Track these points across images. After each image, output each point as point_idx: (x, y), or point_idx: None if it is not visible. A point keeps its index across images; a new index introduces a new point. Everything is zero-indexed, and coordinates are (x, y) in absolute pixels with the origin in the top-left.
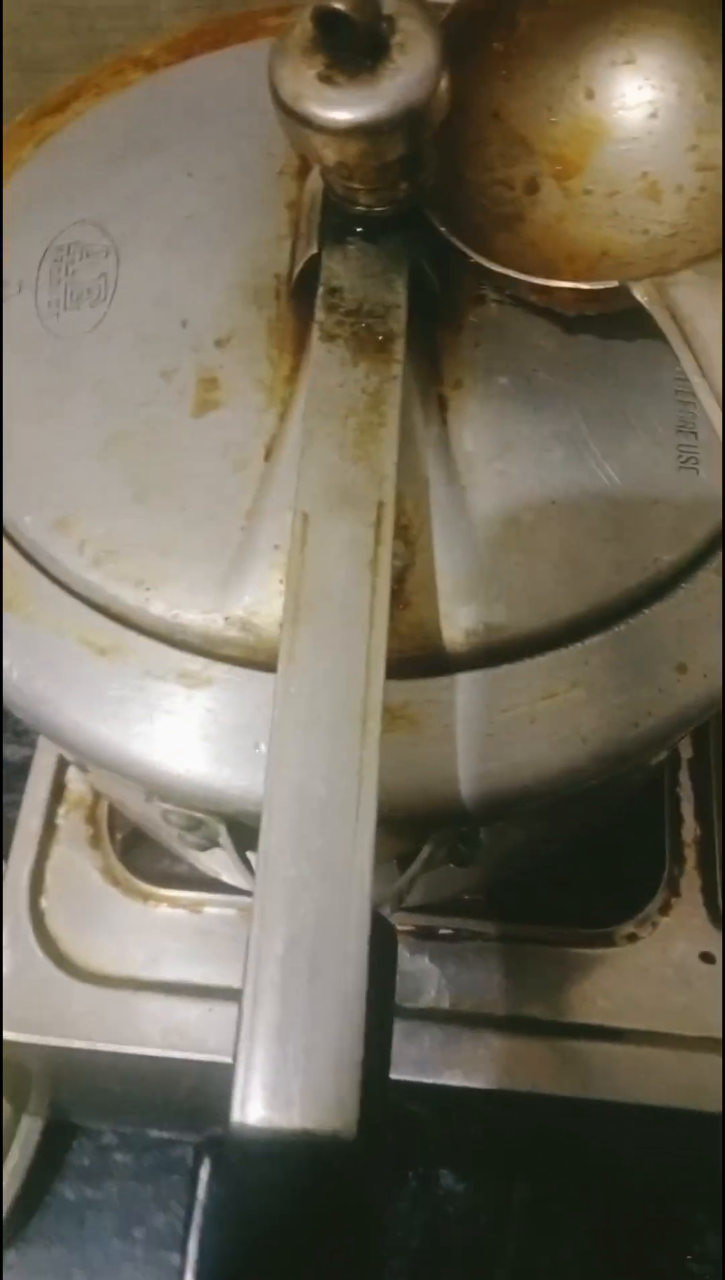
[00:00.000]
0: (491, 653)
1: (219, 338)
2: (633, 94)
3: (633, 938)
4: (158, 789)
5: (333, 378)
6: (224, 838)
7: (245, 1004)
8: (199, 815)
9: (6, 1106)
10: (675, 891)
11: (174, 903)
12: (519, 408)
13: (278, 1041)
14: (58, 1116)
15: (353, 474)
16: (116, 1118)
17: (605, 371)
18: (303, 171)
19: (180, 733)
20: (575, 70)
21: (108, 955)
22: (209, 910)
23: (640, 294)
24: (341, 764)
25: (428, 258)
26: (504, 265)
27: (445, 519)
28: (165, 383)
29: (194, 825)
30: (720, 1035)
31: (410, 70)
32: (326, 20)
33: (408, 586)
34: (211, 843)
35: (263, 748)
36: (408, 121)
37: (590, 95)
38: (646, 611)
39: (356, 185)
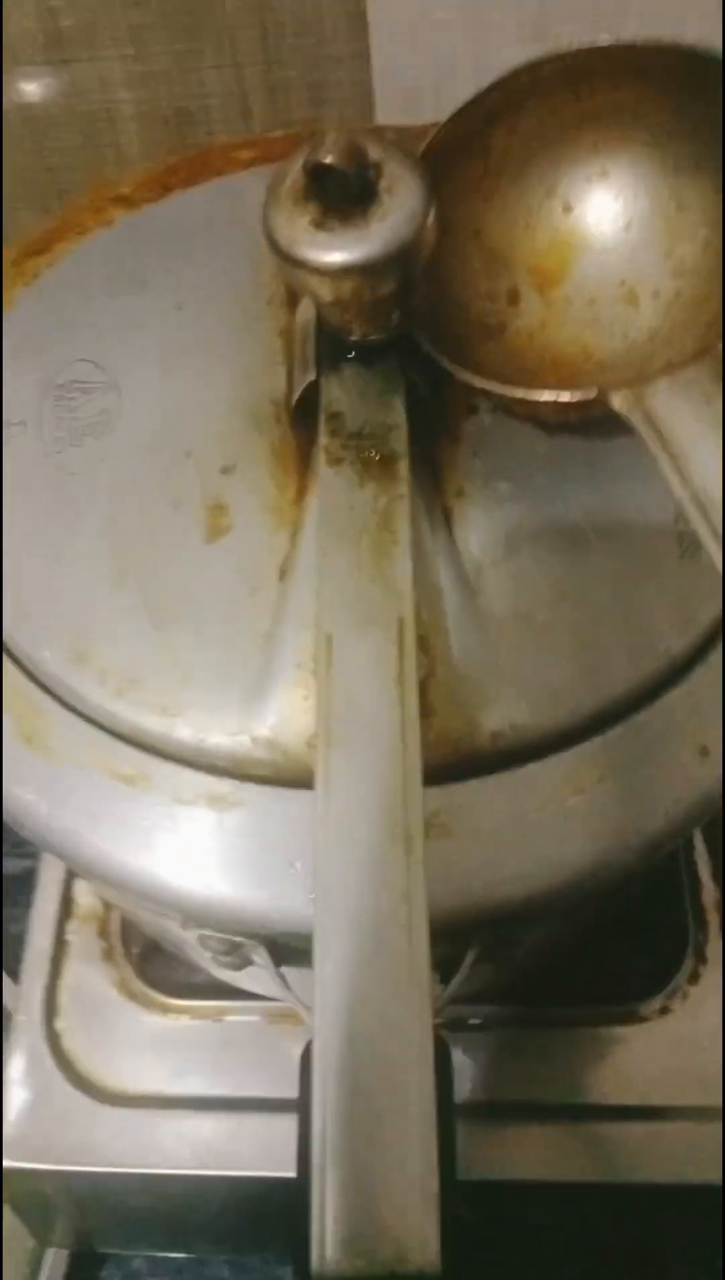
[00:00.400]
0: (519, 753)
1: (224, 465)
2: (608, 206)
3: (664, 1011)
4: (195, 916)
5: (342, 500)
6: (262, 957)
7: (314, 1143)
8: (237, 939)
9: (30, 1240)
10: (702, 958)
11: (195, 1013)
12: (520, 511)
13: (351, 1179)
14: (83, 1246)
15: (371, 593)
16: (146, 1242)
17: (599, 468)
18: (291, 301)
19: (214, 857)
20: (552, 187)
21: (130, 1073)
22: (231, 1019)
23: (618, 403)
24: (390, 888)
25: (421, 376)
26: (489, 377)
27: (460, 625)
28: (175, 511)
29: (232, 949)
30: None
31: (399, 211)
32: (317, 171)
33: (430, 695)
34: (246, 962)
35: (299, 866)
36: (399, 259)
37: (568, 209)
38: (664, 697)
39: (351, 317)
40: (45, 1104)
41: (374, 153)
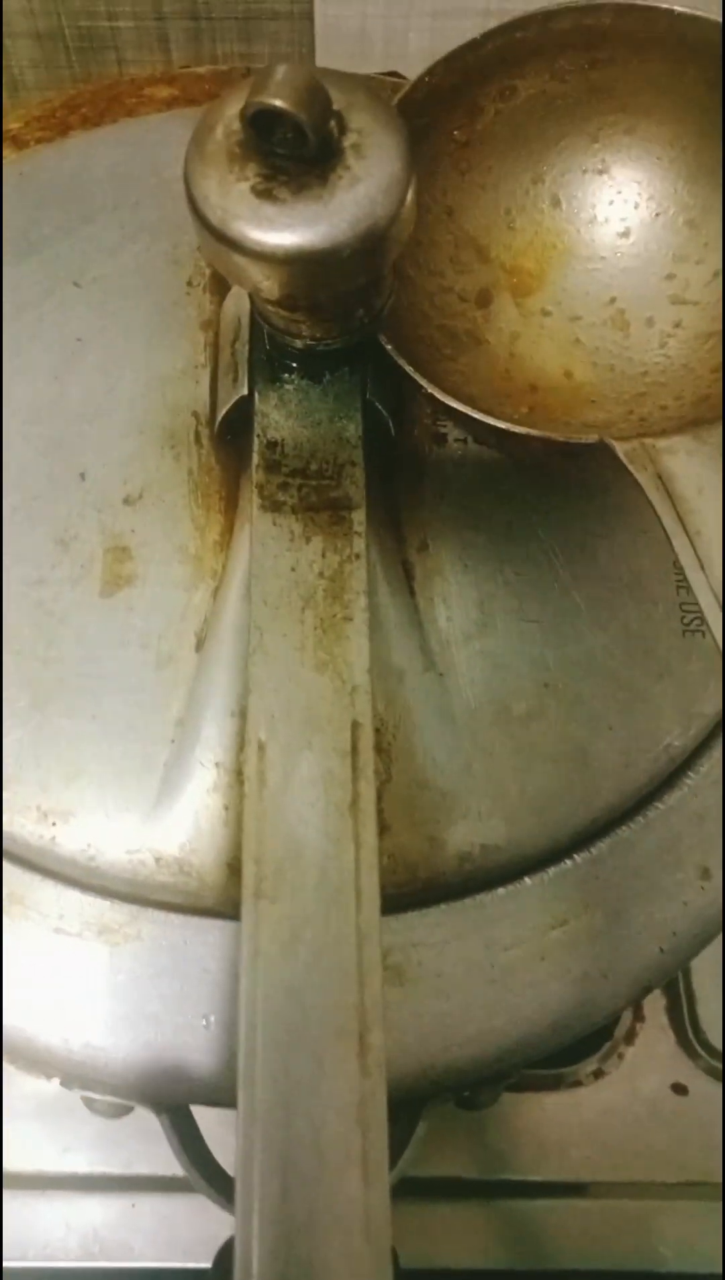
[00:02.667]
0: (488, 877)
1: (128, 494)
2: (603, 208)
3: (599, 1074)
4: (75, 1079)
5: (281, 559)
6: (166, 1130)
7: None
8: (132, 1104)
9: None
10: (639, 1015)
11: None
12: (497, 571)
13: None
14: None
15: (317, 686)
16: None
17: (591, 520)
18: (218, 285)
19: (103, 1004)
20: (541, 173)
21: (10, 1149)
22: None
23: (626, 458)
24: (337, 1106)
25: (379, 395)
26: (459, 394)
27: (423, 716)
28: (63, 553)
29: (123, 1111)
30: (711, 1180)
31: (371, 179)
32: (261, 120)
33: (384, 806)
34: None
35: (212, 1020)
36: (370, 244)
37: (556, 203)
38: (659, 805)
39: (301, 319)
40: None
41: (338, 98)
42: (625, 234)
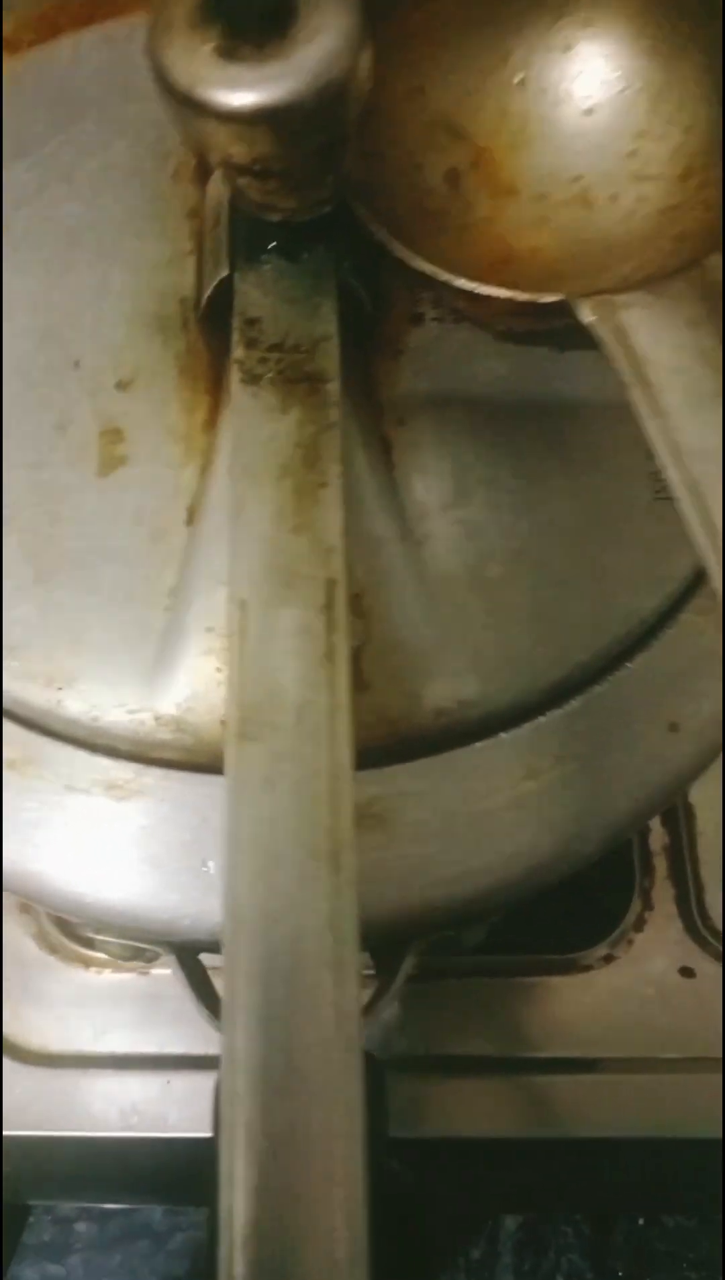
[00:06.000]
0: (465, 731)
1: (120, 379)
2: (567, 85)
3: (608, 959)
4: (90, 920)
5: (260, 430)
6: (173, 966)
7: (221, 1225)
8: (141, 945)
9: None
10: (648, 904)
11: (118, 967)
12: (472, 444)
13: (259, 1255)
14: (9, 1198)
15: (294, 548)
16: (74, 1195)
17: (564, 392)
18: (202, 174)
19: (111, 854)
20: (507, 51)
21: (51, 1031)
22: (157, 972)
23: (586, 313)
24: (313, 914)
25: (357, 274)
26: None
27: (401, 582)
28: (60, 437)
29: (135, 953)
30: (713, 1055)
31: (327, 33)
32: None
33: (364, 666)
34: (157, 956)
35: (212, 865)
36: (331, 97)
37: (521, 83)
38: (629, 665)
39: (272, 186)
40: None
41: None
42: (589, 112)
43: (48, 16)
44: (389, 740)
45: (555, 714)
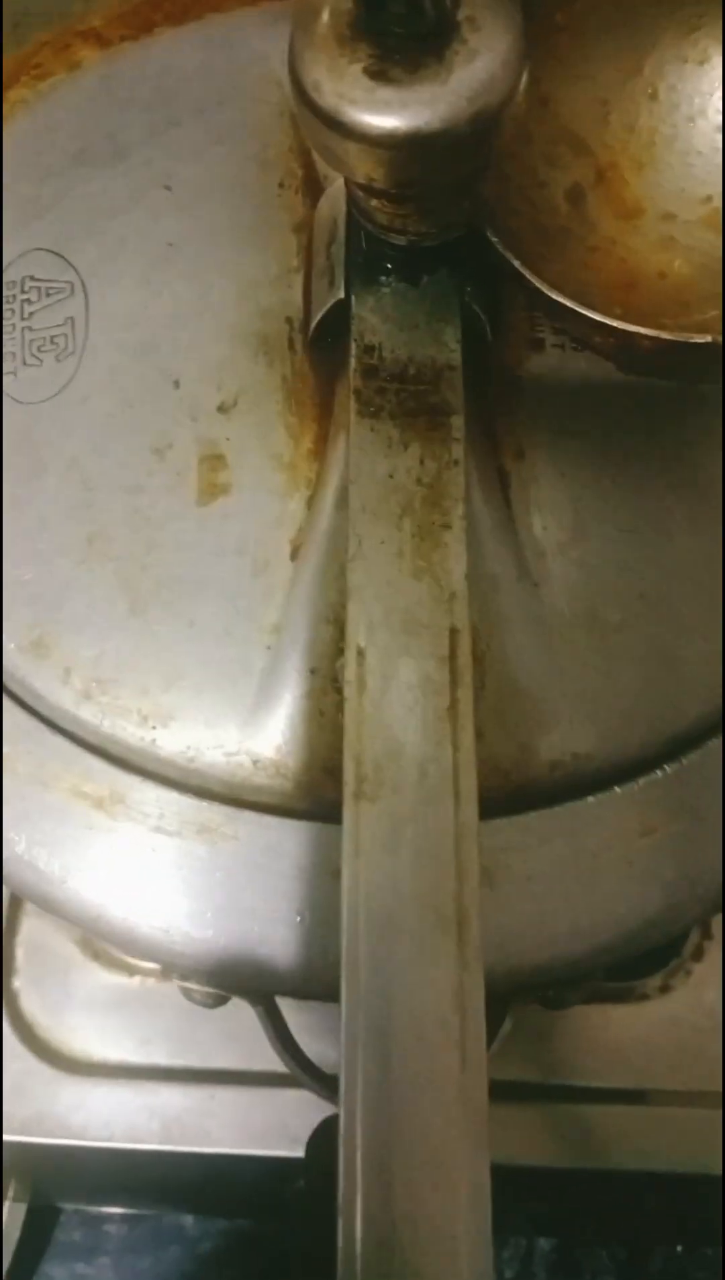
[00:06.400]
0: (579, 784)
1: (222, 401)
2: (701, 100)
3: (665, 989)
4: (177, 970)
5: (379, 466)
6: (261, 1020)
7: None
8: (228, 995)
9: None
10: (707, 934)
11: (161, 974)
12: (594, 480)
13: None
14: (41, 1201)
15: (415, 593)
16: (108, 1200)
17: (687, 428)
18: (311, 187)
19: (202, 901)
20: (639, 63)
21: (93, 1040)
22: None
23: None
24: (438, 992)
25: (478, 298)
26: (560, 293)
27: (518, 626)
28: (159, 461)
29: (220, 1001)
30: None
31: (489, 52)
32: None
33: (479, 712)
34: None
35: (306, 916)
36: (486, 123)
37: (654, 95)
38: None
39: (407, 210)
40: (2, 1071)
41: None
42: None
43: (141, 10)
44: (500, 792)
45: (672, 767)
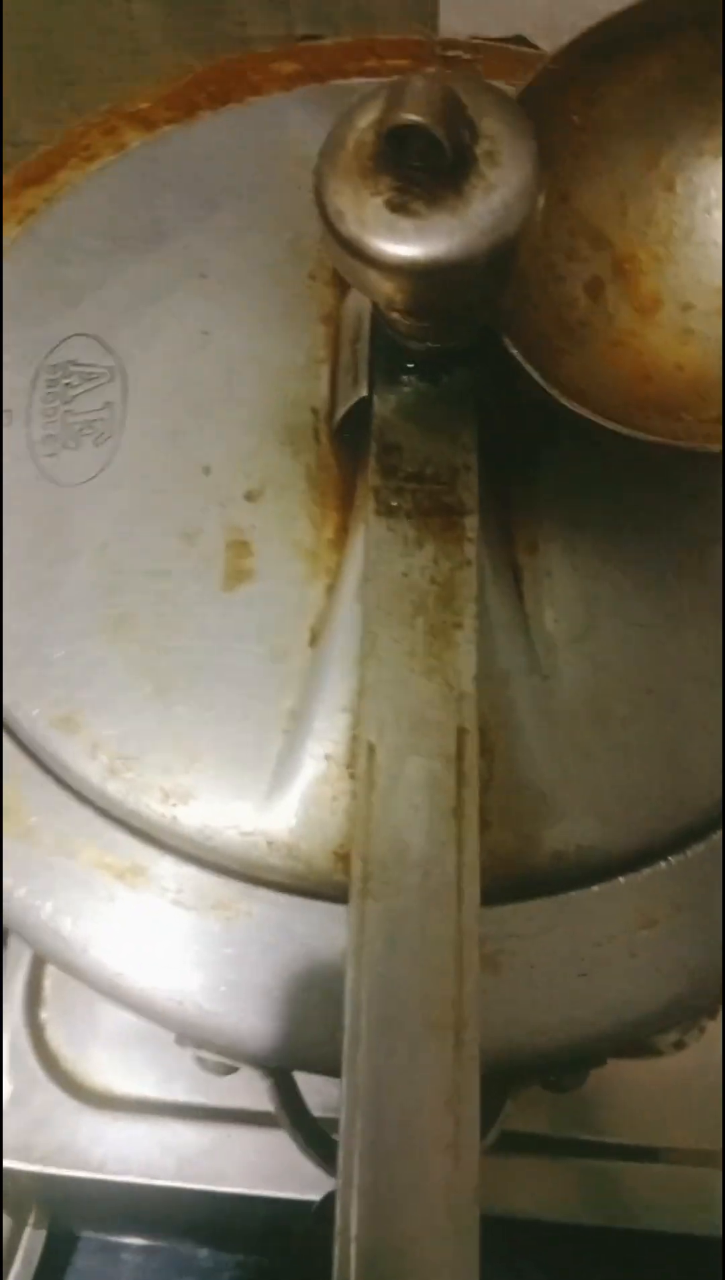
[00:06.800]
0: (582, 875)
1: (250, 490)
2: (717, 192)
3: (679, 1045)
4: (190, 1038)
5: (395, 564)
6: (271, 1093)
7: None
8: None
9: (7, 1220)
10: None
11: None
12: (605, 573)
13: None
14: (60, 1229)
15: (425, 691)
16: (125, 1231)
17: (700, 523)
18: (339, 277)
19: (216, 973)
20: (657, 156)
21: (115, 1073)
22: None
23: None
24: (432, 1092)
25: (494, 395)
26: (571, 388)
27: (526, 718)
28: (188, 546)
29: (229, 1070)
30: None
31: (505, 186)
32: (397, 136)
33: (485, 804)
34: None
35: (314, 994)
36: (502, 253)
37: (670, 187)
38: None
39: (425, 324)
40: (25, 1102)
41: (469, 104)
42: None
43: (184, 93)
44: (504, 881)
45: (675, 859)
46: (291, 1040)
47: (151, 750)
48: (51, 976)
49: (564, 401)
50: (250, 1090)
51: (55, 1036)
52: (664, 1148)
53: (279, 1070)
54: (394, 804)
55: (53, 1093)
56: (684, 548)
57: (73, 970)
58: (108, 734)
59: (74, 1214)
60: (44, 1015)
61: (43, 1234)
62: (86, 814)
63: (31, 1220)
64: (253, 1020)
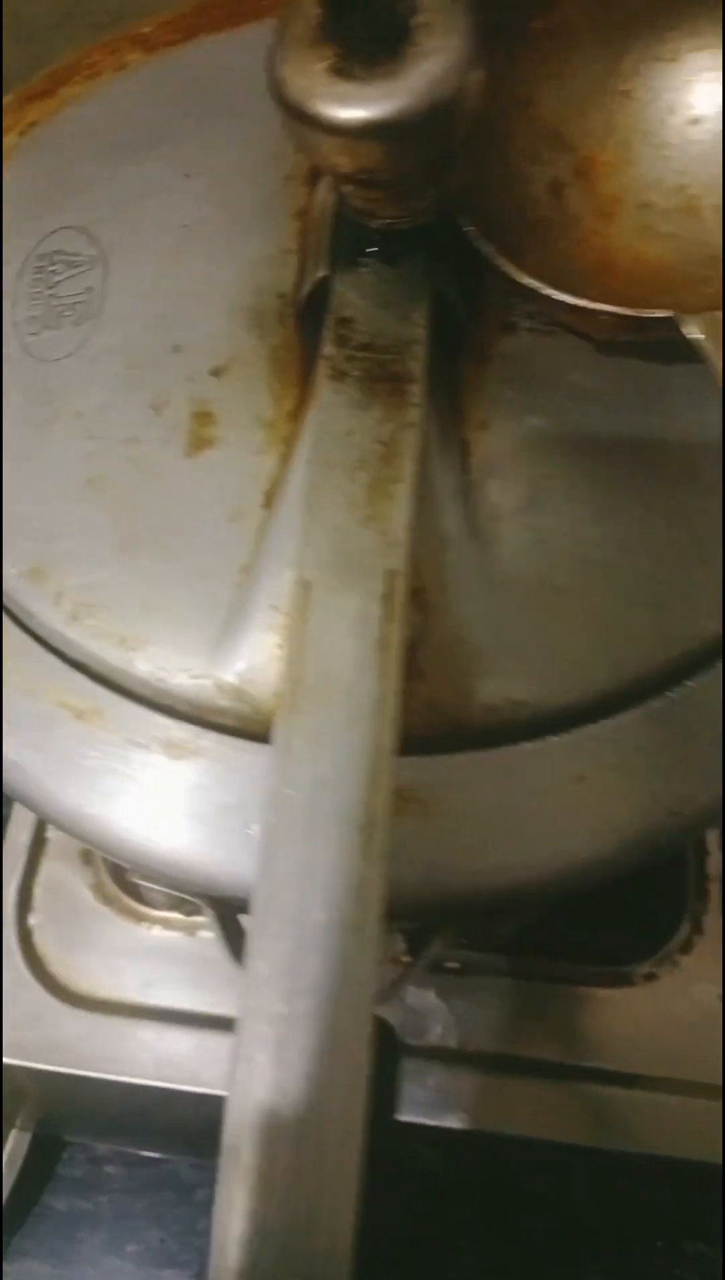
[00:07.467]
0: (514, 730)
1: (216, 366)
2: (672, 95)
3: (651, 977)
4: (138, 867)
5: (341, 423)
6: (210, 918)
7: (225, 1158)
8: (183, 896)
9: None
10: (698, 928)
11: (168, 924)
12: (552, 453)
13: (258, 1216)
14: (46, 1132)
15: (362, 538)
16: (110, 1137)
17: (651, 408)
18: (313, 177)
19: (164, 808)
20: (616, 62)
21: (100, 978)
22: (204, 934)
23: (695, 330)
24: (343, 882)
25: (452, 282)
26: (534, 278)
27: (465, 580)
28: (156, 416)
29: (177, 902)
30: None
31: (438, 55)
32: (337, 4)
33: (422, 657)
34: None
35: (256, 829)
36: (438, 117)
37: (628, 92)
38: (689, 684)
39: (376, 196)
40: (12, 1000)
41: None
42: (695, 121)
43: (187, 19)
44: (438, 730)
45: (607, 723)
46: (231, 871)
47: (112, 600)
48: (42, 887)
49: (521, 279)
50: (229, 999)
51: (43, 941)
52: (638, 1075)
53: (221, 902)
54: (325, 635)
55: (40, 994)
56: (636, 431)
57: (34, 806)
58: (72, 583)
59: (59, 1115)
60: (33, 921)
61: (28, 1136)
62: (50, 659)
63: (19, 1122)
64: (195, 851)
